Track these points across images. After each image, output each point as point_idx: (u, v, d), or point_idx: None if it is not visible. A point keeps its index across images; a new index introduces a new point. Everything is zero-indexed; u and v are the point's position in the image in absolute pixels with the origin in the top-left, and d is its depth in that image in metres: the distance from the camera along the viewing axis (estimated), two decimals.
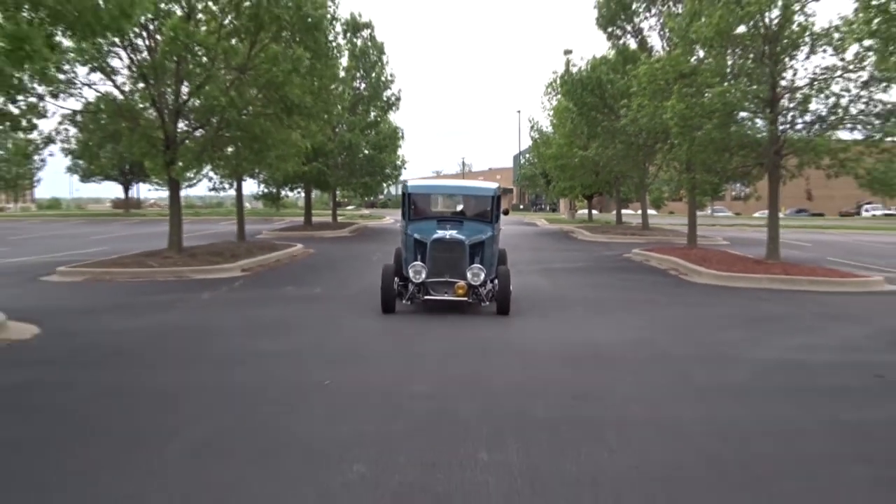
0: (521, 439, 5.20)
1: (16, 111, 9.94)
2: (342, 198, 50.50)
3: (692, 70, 17.50)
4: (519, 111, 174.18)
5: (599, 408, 6.13)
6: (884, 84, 15.53)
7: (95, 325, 9.88)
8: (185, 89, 17.98)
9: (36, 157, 55.05)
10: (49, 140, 18.28)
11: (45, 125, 29.38)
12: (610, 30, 27.37)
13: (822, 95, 16.44)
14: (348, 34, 32.72)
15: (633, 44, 27.27)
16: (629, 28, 27.08)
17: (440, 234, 11.18)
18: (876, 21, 11.08)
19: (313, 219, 36.04)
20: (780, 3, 16.21)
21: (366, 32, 33.78)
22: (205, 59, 17.24)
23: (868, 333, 9.93)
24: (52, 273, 15.53)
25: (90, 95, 17.41)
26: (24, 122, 10.48)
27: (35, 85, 13.92)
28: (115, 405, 6.12)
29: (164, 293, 13.11)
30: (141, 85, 17.84)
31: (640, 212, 36.26)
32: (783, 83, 17.06)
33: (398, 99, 35.19)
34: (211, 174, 23.71)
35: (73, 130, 18.47)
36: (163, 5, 16.84)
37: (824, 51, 16.19)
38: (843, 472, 4.78)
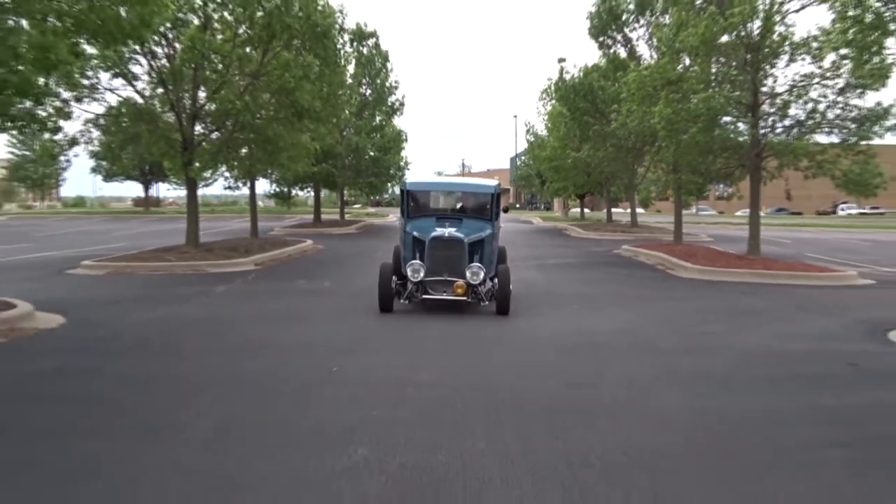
0: (517, 424, 5.19)
1: (43, 114, 9.95)
2: (349, 197, 50.52)
3: (678, 77, 17.47)
4: (515, 116, 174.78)
5: (592, 394, 6.12)
6: (859, 90, 15.51)
7: (118, 316, 9.87)
8: (201, 94, 18.00)
9: (62, 158, 55.26)
10: (73, 142, 18.33)
11: (70, 127, 29.30)
12: (601, 39, 27.43)
13: (800, 101, 16.42)
14: (355, 43, 32.69)
15: (622, 52, 27.29)
16: (619, 38, 27.19)
17: (439, 231, 10.40)
18: (852, 31, 11.07)
19: (322, 216, 36.05)
20: (761, 15, 16.20)
21: (371, 41, 33.73)
22: (220, 65, 17.27)
23: (843, 324, 9.91)
24: (76, 267, 15.52)
25: (112, 100, 17.45)
26: (49, 124, 10.50)
27: (60, 90, 13.93)
28: (137, 391, 6.11)
29: (182, 286, 13.10)
30: (160, 90, 17.85)
31: (629, 210, 36.24)
32: (764, 89, 17.03)
33: (402, 104, 35.23)
34: (226, 174, 23.68)
35: (96, 133, 18.47)
36: (181, 15, 16.82)
37: (803, 59, 16.17)
38: (820, 453, 4.77)
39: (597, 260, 19.81)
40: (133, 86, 17.50)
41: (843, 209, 67.05)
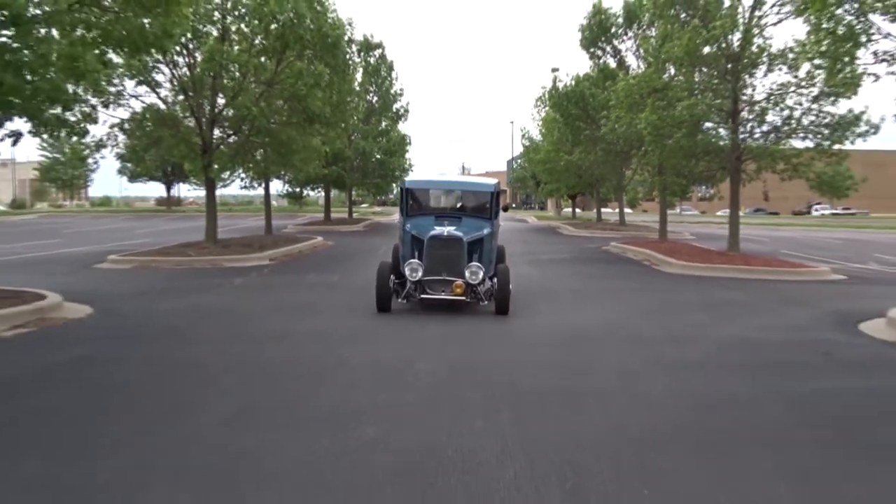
0: (513, 408, 5.22)
1: (72, 119, 9.97)
2: (357, 196, 50.43)
3: (664, 86, 17.50)
4: (512, 122, 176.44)
5: (582, 381, 6.14)
6: (832, 98, 15.52)
7: (142, 306, 9.90)
8: (220, 101, 18.02)
9: (90, 161, 55.18)
10: (101, 145, 18.34)
11: (97, 131, 29.31)
12: (592, 50, 27.58)
13: (777, 108, 16.44)
14: (362, 53, 32.62)
15: (612, 62, 27.40)
16: (609, 49, 27.35)
17: (438, 230, 9.66)
18: (825, 42, 11.04)
19: (332, 215, 36.12)
20: (741, 28, 16.22)
21: (377, 52, 33.71)
22: (237, 74, 17.31)
23: (816, 316, 9.92)
24: (103, 261, 15.55)
25: (137, 106, 17.46)
26: (77, 129, 10.51)
27: (89, 96, 13.92)
28: (161, 375, 6.14)
29: (202, 279, 13.12)
30: (181, 97, 17.89)
31: (617, 210, 36.26)
32: (744, 97, 17.03)
33: (406, 111, 35.33)
34: (242, 175, 23.70)
35: (121, 137, 18.48)
36: (201, 27, 16.85)
37: (780, 69, 16.18)
38: (791, 435, 4.81)
39: (587, 256, 19.82)
40: (156, 93, 17.56)
41: (817, 210, 66.96)
